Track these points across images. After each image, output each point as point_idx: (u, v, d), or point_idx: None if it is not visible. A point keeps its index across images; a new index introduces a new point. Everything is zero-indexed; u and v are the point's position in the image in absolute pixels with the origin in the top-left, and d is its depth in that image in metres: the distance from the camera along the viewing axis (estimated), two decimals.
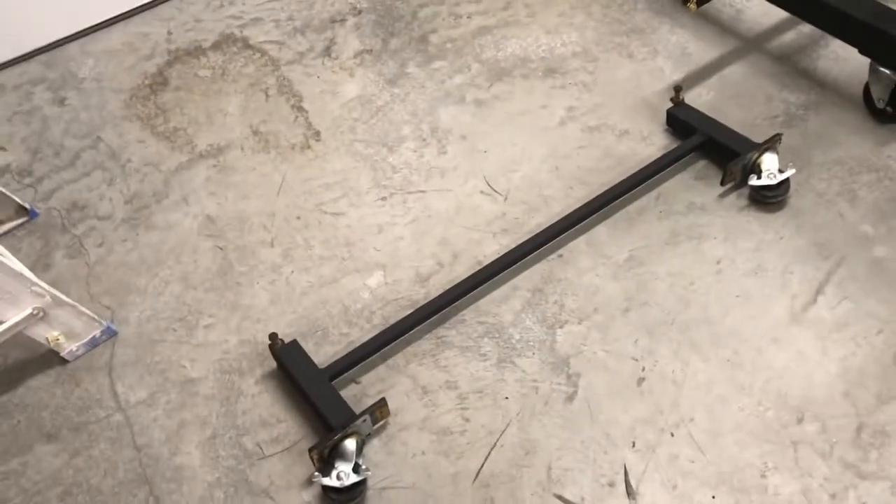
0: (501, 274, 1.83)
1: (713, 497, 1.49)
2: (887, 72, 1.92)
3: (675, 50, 2.29)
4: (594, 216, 1.91)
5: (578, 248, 1.88)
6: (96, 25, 2.60)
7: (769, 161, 1.89)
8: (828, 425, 1.56)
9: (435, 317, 1.77)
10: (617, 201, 1.93)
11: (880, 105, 1.99)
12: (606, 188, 1.94)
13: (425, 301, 1.79)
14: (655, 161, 1.98)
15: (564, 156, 2.08)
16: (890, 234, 1.82)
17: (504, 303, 1.81)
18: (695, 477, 1.52)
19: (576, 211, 1.90)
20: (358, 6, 2.56)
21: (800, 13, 2.10)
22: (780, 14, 2.26)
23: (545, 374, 1.69)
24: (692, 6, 2.10)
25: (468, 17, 2.48)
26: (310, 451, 1.54)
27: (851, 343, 1.66)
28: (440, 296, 1.79)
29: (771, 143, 1.91)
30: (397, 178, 2.08)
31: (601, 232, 1.91)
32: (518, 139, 2.13)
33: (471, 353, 1.73)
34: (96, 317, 1.81)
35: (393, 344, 1.74)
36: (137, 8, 2.63)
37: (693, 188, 1.96)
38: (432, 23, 2.48)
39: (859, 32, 1.95)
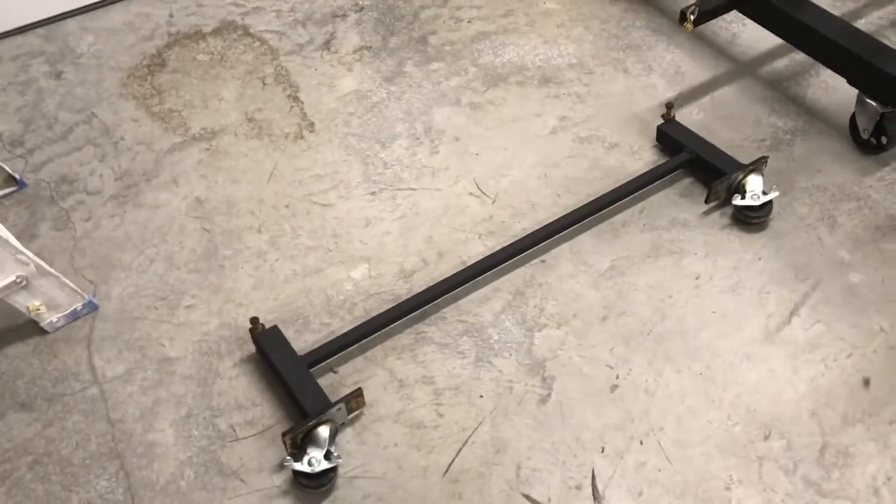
0: (484, 275, 1.86)
1: None
2: (873, 103, 1.97)
3: (670, 68, 2.33)
4: (579, 225, 1.94)
5: (562, 254, 1.91)
6: (98, 3, 2.60)
7: (754, 182, 1.92)
8: (793, 443, 1.59)
9: (416, 312, 1.79)
10: (602, 212, 1.96)
11: (865, 136, 2.04)
12: (593, 198, 1.97)
13: (408, 296, 1.81)
14: (642, 175, 2.01)
15: (554, 164, 2.10)
16: (865, 261, 1.86)
17: (485, 303, 1.83)
18: (660, 485, 1.55)
19: (561, 218, 1.93)
20: (360, 3, 2.58)
21: (793, 41, 2.14)
22: (774, 41, 2.31)
23: (521, 375, 1.71)
24: (689, 26, 2.13)
25: (468, 22, 2.51)
26: (283, 435, 1.55)
27: (821, 364, 1.70)
28: (422, 292, 1.80)
29: (757, 165, 1.94)
30: (388, 174, 2.10)
31: (585, 240, 1.93)
32: (510, 144, 2.16)
33: (449, 351, 1.75)
34: (79, 289, 1.81)
35: (373, 336, 1.76)
36: None
37: (677, 204, 2.00)
38: (433, 24, 2.51)
39: (849, 64, 1.99)
